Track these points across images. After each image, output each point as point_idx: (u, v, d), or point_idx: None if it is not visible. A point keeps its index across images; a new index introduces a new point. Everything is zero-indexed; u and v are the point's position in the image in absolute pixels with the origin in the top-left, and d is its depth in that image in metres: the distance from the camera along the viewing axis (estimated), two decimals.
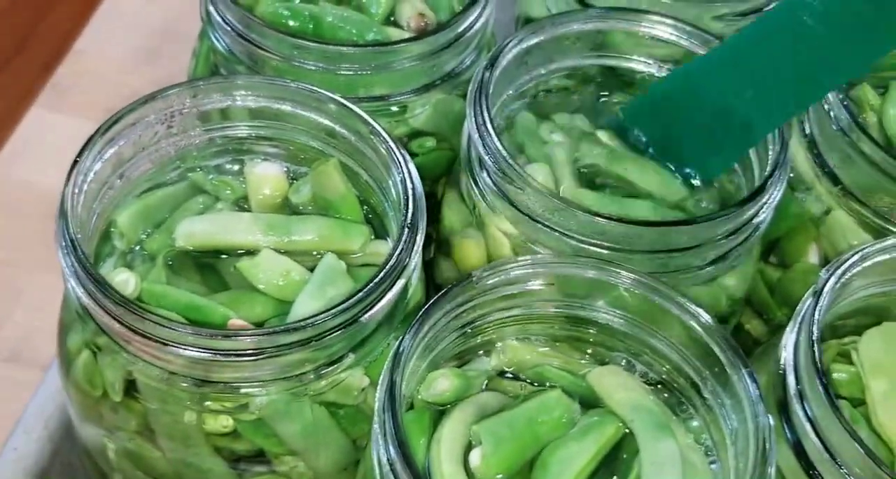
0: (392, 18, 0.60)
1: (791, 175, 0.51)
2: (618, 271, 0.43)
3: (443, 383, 0.44)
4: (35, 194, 0.81)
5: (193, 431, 0.44)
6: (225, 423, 0.44)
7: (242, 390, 0.43)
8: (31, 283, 0.76)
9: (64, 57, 0.91)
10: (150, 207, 0.49)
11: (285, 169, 0.51)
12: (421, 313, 0.41)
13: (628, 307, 0.44)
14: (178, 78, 0.92)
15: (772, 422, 0.40)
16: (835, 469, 0.41)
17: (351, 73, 0.54)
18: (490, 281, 0.43)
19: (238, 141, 0.51)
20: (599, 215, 0.45)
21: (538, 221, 0.47)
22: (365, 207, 0.50)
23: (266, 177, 0.50)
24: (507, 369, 0.46)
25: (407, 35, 0.58)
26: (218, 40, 0.54)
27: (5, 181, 0.81)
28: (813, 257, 0.54)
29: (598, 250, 0.47)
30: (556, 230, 0.47)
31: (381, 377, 0.40)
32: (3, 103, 1.23)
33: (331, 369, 0.44)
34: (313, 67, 0.53)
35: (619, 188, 0.52)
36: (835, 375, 0.47)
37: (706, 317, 0.42)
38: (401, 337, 0.41)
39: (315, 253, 0.48)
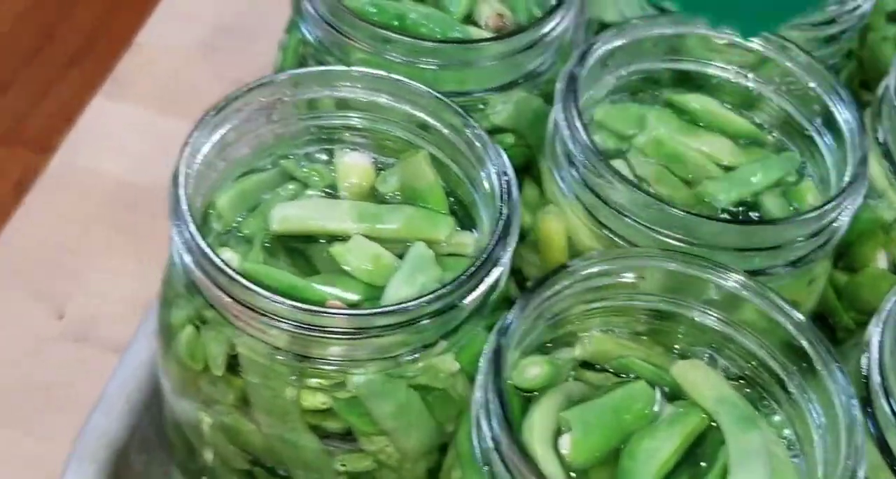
0: (471, 18, 0.61)
1: None
2: (719, 268, 0.45)
3: (535, 369, 0.45)
4: (97, 182, 0.82)
5: (291, 407, 0.46)
6: (323, 400, 0.45)
7: (340, 369, 0.44)
8: (95, 267, 0.77)
9: (123, 50, 0.93)
10: (246, 192, 0.50)
11: (373, 159, 0.52)
12: (521, 297, 0.43)
13: (718, 303, 0.46)
14: (235, 71, 0.94)
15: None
16: None
17: (436, 67, 0.55)
18: (587, 271, 0.44)
19: (330, 130, 0.52)
20: (689, 212, 0.47)
21: (625, 216, 0.48)
22: (451, 199, 0.51)
23: (355, 166, 0.52)
24: (589, 361, 0.48)
25: (486, 34, 0.59)
26: (309, 32, 0.56)
27: (68, 168, 0.83)
28: (882, 262, 0.55)
29: (682, 245, 0.48)
30: (643, 225, 0.48)
31: (484, 358, 0.41)
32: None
33: (424, 352, 0.45)
34: (400, 61, 0.55)
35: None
36: None
37: (797, 314, 0.44)
38: (503, 319, 0.42)
39: (403, 242, 0.49)
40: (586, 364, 0.48)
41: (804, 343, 0.43)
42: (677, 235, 0.48)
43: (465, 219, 0.51)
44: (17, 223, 0.78)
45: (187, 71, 0.93)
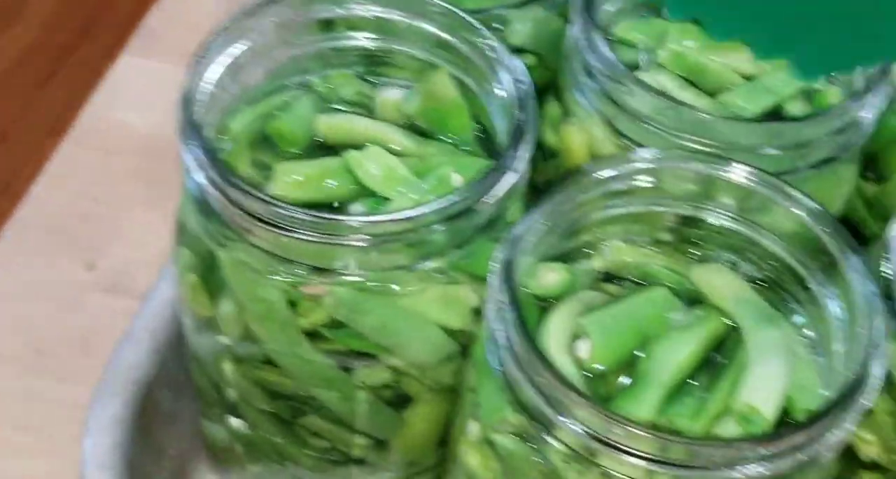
0: None
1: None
2: (733, 164, 0.44)
3: (551, 275, 0.44)
4: (126, 135, 0.83)
5: (290, 321, 0.46)
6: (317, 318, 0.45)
7: (337, 278, 0.44)
8: (127, 219, 0.78)
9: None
10: (264, 115, 0.50)
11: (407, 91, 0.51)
12: (536, 201, 0.42)
13: (737, 204, 0.45)
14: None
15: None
16: None
17: None
18: (603, 174, 0.44)
19: (344, 52, 0.51)
20: (711, 114, 0.46)
21: (647, 123, 0.48)
22: (476, 125, 0.50)
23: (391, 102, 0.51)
24: (610, 272, 0.47)
25: None
26: None
27: (101, 123, 0.83)
28: None
29: (705, 149, 0.47)
30: (665, 131, 0.47)
31: (497, 258, 0.41)
32: None
33: (427, 264, 0.45)
34: None
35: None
36: None
37: (812, 203, 0.43)
38: (519, 222, 0.41)
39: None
40: (608, 277, 0.47)
41: (820, 232, 0.42)
42: (700, 140, 0.47)
43: (489, 146, 0.50)
44: (48, 176, 0.79)
45: (210, 26, 0.93)
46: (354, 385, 0.48)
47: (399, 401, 0.50)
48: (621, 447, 0.37)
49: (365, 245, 0.43)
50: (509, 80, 0.47)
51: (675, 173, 0.45)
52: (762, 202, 0.44)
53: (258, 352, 0.48)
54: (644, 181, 0.45)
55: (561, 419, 0.38)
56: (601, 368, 0.42)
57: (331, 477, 0.54)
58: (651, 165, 0.44)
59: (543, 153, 0.55)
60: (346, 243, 0.42)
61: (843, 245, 0.41)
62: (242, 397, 0.51)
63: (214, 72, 0.47)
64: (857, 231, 0.57)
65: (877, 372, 0.38)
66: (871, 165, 0.56)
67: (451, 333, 0.47)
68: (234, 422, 0.53)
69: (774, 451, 0.37)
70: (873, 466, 0.47)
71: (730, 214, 0.45)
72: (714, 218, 0.46)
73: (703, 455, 0.37)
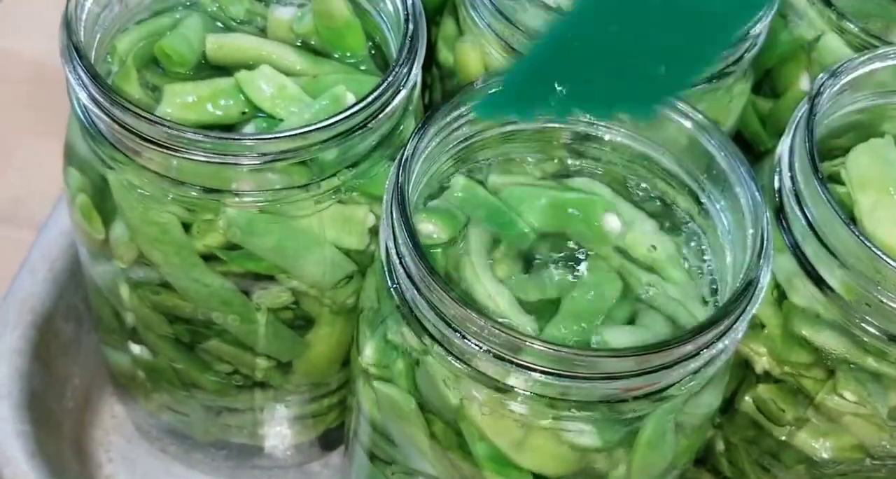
0: None
1: None
2: None
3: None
4: (21, 62, 0.81)
5: (186, 245, 0.45)
6: (212, 240, 0.45)
7: (230, 200, 0.44)
8: (22, 147, 0.76)
9: None
10: (151, 34, 0.49)
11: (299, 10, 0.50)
12: (427, 114, 0.42)
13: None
14: None
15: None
16: (832, 263, 0.42)
17: None
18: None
19: None
20: None
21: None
22: (370, 44, 0.50)
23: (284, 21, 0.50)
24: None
25: None
26: None
27: None
28: (804, 84, 0.55)
29: None
30: None
31: (389, 177, 0.40)
32: None
33: (322, 184, 0.44)
34: None
35: None
36: None
37: (701, 118, 0.43)
38: (411, 137, 0.41)
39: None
40: None
41: (710, 145, 0.42)
42: None
43: (384, 65, 0.50)
44: None
45: None
46: (253, 307, 0.47)
47: (300, 323, 0.50)
48: (523, 363, 0.37)
49: (258, 164, 0.42)
50: None
51: None
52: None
53: (154, 276, 0.47)
54: None
55: (465, 340, 0.38)
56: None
57: (235, 402, 0.54)
58: None
59: (441, 74, 0.55)
60: (238, 162, 0.42)
61: (733, 158, 0.42)
62: (142, 322, 0.51)
63: None
64: (751, 146, 0.58)
65: (763, 280, 0.39)
66: (765, 81, 0.57)
67: (348, 253, 0.47)
68: (136, 349, 0.53)
69: (670, 359, 0.38)
70: (767, 377, 0.48)
71: (622, 130, 0.45)
72: (607, 135, 0.46)
73: (600, 366, 0.38)
